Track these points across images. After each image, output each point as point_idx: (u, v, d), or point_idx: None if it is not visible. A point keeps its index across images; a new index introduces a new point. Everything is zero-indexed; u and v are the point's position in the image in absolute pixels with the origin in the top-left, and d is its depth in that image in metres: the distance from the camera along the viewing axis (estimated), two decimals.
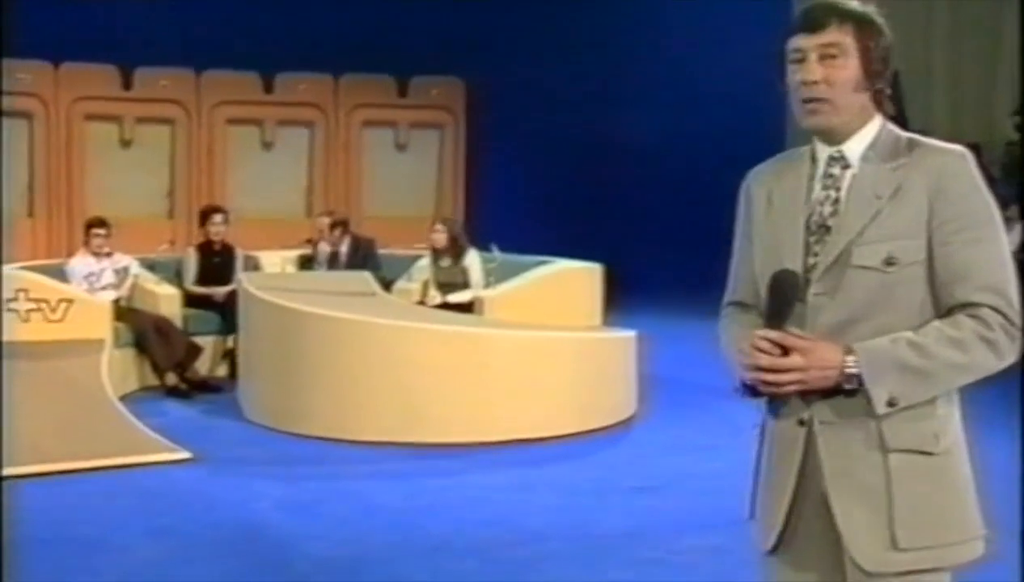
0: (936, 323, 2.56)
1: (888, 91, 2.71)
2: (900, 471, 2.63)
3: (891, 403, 2.58)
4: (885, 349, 2.58)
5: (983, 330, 2.53)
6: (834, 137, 2.70)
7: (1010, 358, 2.57)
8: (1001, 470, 7.03)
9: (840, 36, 2.65)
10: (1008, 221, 14.37)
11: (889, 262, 2.60)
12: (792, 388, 2.62)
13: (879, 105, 2.71)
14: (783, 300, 2.64)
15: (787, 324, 2.63)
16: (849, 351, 2.58)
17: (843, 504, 2.68)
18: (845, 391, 2.59)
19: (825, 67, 2.66)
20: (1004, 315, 2.54)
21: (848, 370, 2.57)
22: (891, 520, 2.63)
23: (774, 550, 2.81)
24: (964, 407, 2.74)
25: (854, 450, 2.65)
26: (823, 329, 2.65)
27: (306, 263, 11.15)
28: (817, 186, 2.72)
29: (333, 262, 10.92)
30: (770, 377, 2.61)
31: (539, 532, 6.22)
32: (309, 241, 12.05)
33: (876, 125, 2.70)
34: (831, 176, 2.70)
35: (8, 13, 11.75)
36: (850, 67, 2.65)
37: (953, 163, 2.63)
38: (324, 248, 10.96)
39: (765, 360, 2.60)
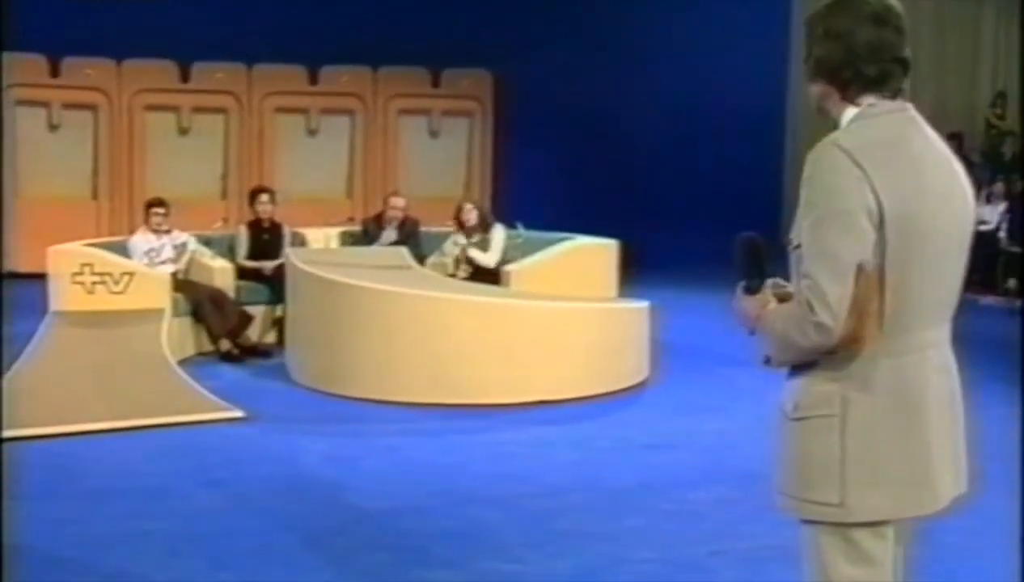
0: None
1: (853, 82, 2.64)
2: (777, 423, 2.73)
3: (767, 360, 2.70)
4: (772, 311, 2.68)
5: (795, 310, 2.56)
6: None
7: (816, 339, 2.52)
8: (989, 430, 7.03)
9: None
10: (991, 196, 14.33)
11: (789, 242, 2.66)
12: (744, 329, 2.77)
13: (844, 93, 2.66)
14: (744, 259, 2.76)
15: (758, 279, 2.75)
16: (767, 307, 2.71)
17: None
18: None
19: None
20: (808, 300, 2.50)
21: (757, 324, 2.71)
22: (775, 463, 2.74)
23: None
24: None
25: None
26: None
27: (357, 238, 11.08)
28: None
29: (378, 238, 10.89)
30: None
31: (559, 485, 6.23)
32: (351, 219, 12.06)
33: (849, 114, 2.66)
34: None
35: (8, 11, 11.75)
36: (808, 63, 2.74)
37: (812, 156, 2.58)
38: (390, 234, 10.88)
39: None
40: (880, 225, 2.51)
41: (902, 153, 2.58)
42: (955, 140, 15.31)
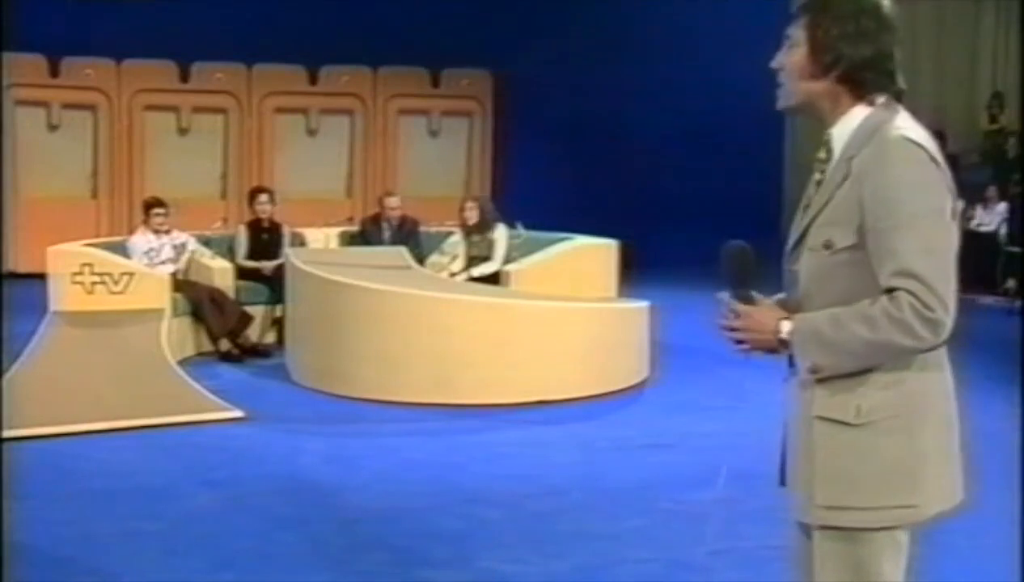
0: (863, 302, 2.49)
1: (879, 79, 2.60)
2: (821, 436, 2.62)
3: (813, 370, 2.58)
4: (812, 320, 2.58)
5: (894, 311, 2.43)
6: (822, 122, 2.67)
7: (929, 338, 2.45)
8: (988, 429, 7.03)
9: (795, 28, 2.66)
10: (987, 201, 14.32)
11: (827, 245, 2.58)
12: (740, 347, 2.67)
13: (859, 92, 2.60)
14: (736, 270, 2.68)
15: (748, 290, 2.66)
16: (788, 319, 2.60)
17: (789, 456, 2.74)
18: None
19: (784, 56, 2.69)
20: (918, 298, 2.42)
21: (781, 335, 2.60)
22: (812, 476, 2.63)
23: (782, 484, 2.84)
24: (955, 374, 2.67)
25: (800, 409, 2.67)
26: (793, 302, 2.69)
27: (352, 239, 11.12)
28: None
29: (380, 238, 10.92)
30: (724, 335, 2.68)
31: (560, 485, 6.23)
32: (351, 219, 12.07)
33: (861, 112, 2.60)
34: (820, 160, 2.67)
35: (8, 11, 11.77)
36: (797, 55, 2.65)
37: (886, 152, 2.50)
38: (388, 230, 10.95)
39: (720, 322, 2.68)
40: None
41: (937, 148, 2.57)
42: (938, 138, 15.33)
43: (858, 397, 2.57)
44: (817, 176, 2.67)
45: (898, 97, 2.64)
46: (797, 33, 2.65)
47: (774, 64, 2.71)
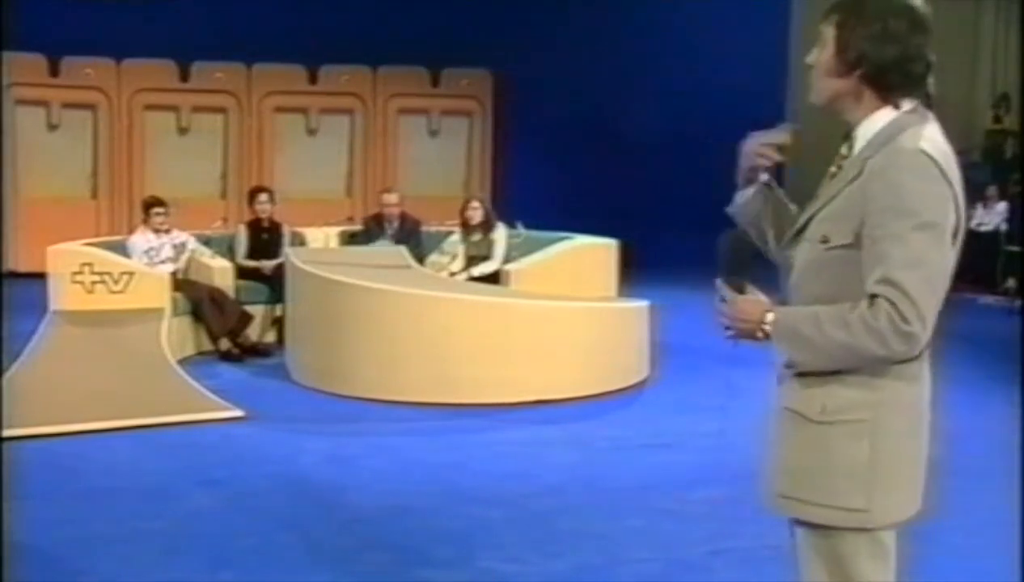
0: (845, 305, 2.49)
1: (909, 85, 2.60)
2: (785, 427, 2.67)
3: (788, 365, 2.63)
4: (793, 315, 2.61)
5: (870, 318, 2.44)
6: (849, 120, 2.66)
7: (900, 349, 2.45)
8: (988, 429, 7.04)
9: (826, 26, 2.66)
10: (987, 201, 14.33)
11: (823, 240, 2.60)
12: (728, 333, 2.70)
13: (884, 94, 2.60)
14: (729, 256, 2.72)
15: (740, 278, 2.69)
16: (772, 311, 2.62)
17: (768, 446, 2.76)
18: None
19: (815, 52, 2.70)
20: (896, 308, 2.42)
21: (764, 327, 2.62)
22: (777, 467, 2.69)
23: None
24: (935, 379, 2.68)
25: (777, 400, 2.72)
26: (788, 290, 2.72)
27: (354, 238, 11.12)
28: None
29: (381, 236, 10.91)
30: (718, 321, 2.72)
31: (559, 484, 6.23)
32: (351, 219, 12.07)
33: (887, 115, 2.60)
34: (841, 155, 2.68)
35: (8, 11, 11.79)
36: (825, 54, 2.65)
37: (896, 160, 2.50)
38: (389, 229, 10.94)
39: (716, 308, 2.71)
40: (952, 242, 2.52)
41: (954, 163, 2.56)
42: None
43: (826, 395, 2.60)
44: (833, 169, 2.68)
45: (927, 103, 2.63)
46: (827, 30, 2.65)
47: (807, 60, 2.72)
